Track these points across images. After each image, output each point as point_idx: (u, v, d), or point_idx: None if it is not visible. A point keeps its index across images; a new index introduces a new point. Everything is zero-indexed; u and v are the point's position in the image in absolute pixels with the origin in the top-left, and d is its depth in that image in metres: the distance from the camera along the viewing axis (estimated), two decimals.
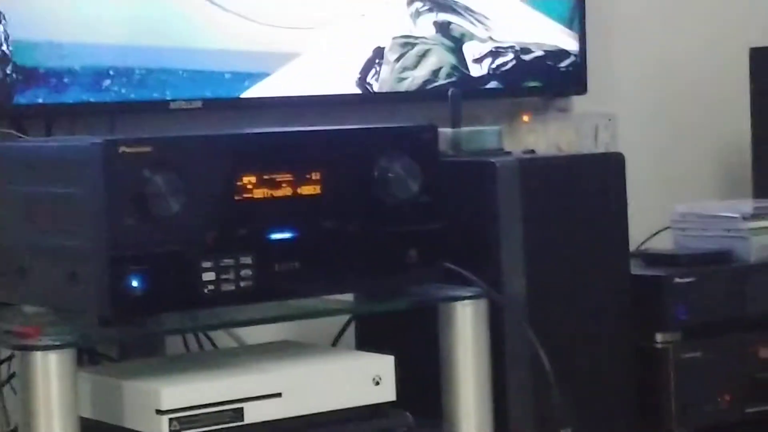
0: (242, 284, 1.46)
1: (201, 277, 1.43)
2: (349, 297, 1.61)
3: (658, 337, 1.75)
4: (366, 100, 1.97)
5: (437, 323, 1.60)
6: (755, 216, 1.83)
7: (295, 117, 1.83)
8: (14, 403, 1.54)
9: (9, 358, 1.65)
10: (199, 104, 1.83)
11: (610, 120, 2.15)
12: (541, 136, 2.10)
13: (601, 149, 2.08)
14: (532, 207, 1.66)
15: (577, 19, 2.09)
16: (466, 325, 1.59)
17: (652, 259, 1.85)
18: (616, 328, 1.69)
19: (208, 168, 1.46)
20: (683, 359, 1.74)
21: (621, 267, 1.71)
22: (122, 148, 1.39)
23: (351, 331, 1.82)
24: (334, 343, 1.80)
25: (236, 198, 1.47)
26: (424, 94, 1.98)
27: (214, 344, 1.78)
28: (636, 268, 1.79)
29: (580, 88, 2.10)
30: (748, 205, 1.86)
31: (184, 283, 1.43)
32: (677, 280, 1.76)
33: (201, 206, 1.44)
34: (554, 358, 1.61)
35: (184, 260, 1.43)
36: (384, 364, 1.53)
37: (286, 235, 1.50)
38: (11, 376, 1.64)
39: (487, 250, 1.66)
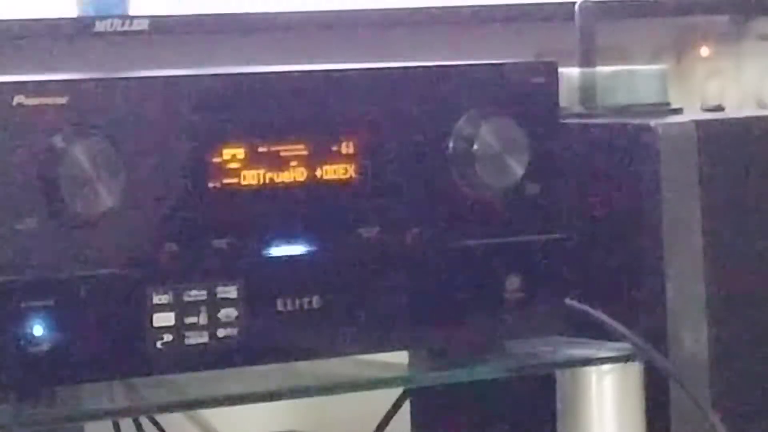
0: (220, 334, 1.46)
1: (151, 319, 1.44)
2: (401, 357, 1.63)
3: None
4: (430, 19, 2.06)
5: (554, 398, 1.65)
6: None
7: (306, 46, 1.92)
8: None
9: None
10: (144, 25, 1.87)
11: None
12: (731, 81, 2.20)
13: None
14: (718, 199, 1.69)
15: None
16: (605, 403, 1.63)
17: None
18: None
19: (164, 133, 1.46)
20: None
21: None
22: (18, 98, 1.39)
23: (404, 411, 1.86)
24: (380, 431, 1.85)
25: (212, 185, 1.46)
26: (530, 11, 2.08)
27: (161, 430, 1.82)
28: None
29: None
30: None
31: (121, 331, 1.43)
32: None
33: (152, 199, 1.45)
34: None
35: (123, 291, 1.44)
36: None
37: (297, 251, 1.50)
38: None
39: (642, 276, 1.70)
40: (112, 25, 1.90)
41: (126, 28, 1.90)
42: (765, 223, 1.73)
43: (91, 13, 1.94)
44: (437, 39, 2.01)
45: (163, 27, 1.93)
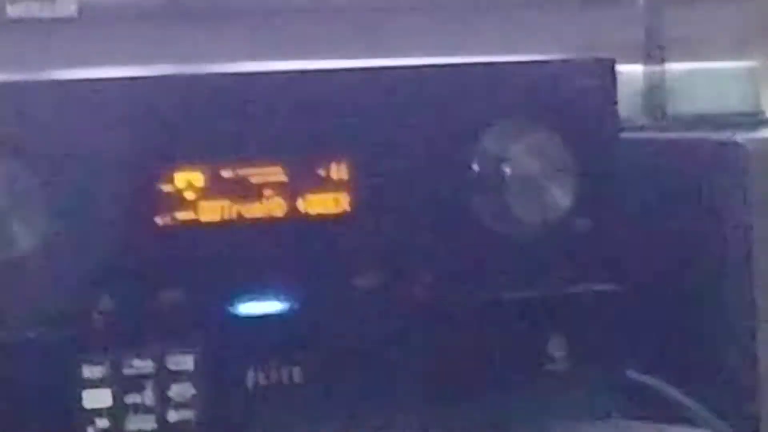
0: (171, 417, 1.45)
1: (80, 398, 1.42)
2: None
3: None
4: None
5: None
6: None
7: (281, 37, 1.93)
8: None
9: None
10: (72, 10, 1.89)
11: None
12: None
13: None
14: None
15: None
16: None
17: None
18: None
19: (97, 153, 1.44)
20: None
21: None
22: None
23: None
24: None
25: (159, 221, 1.45)
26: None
27: None
28: None
29: None
30: None
31: (43, 414, 1.42)
32: None
33: (80, 236, 1.43)
34: None
35: (45, 362, 1.42)
36: None
37: (273, 308, 1.49)
38: None
39: (729, 338, 1.68)
40: (28, 9, 1.86)
41: (48, 14, 1.86)
42: None
43: None
44: (452, 28, 2.01)
45: (95, 13, 1.91)
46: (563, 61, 1.58)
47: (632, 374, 1.60)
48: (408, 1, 2.09)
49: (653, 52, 1.83)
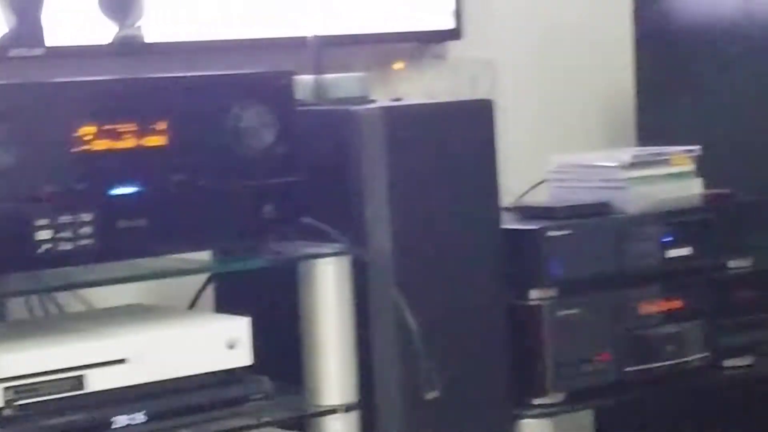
0: (82, 243, 1.47)
1: (35, 235, 1.44)
2: (205, 257, 1.62)
3: (532, 294, 1.77)
4: (226, 46, 1.96)
5: (297, 282, 1.62)
6: (634, 165, 1.85)
7: (148, 65, 1.80)
8: None
9: None
10: (39, 51, 1.76)
11: (488, 67, 2.15)
12: (415, 85, 2.11)
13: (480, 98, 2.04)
14: (398, 158, 1.67)
15: None
16: (328, 284, 1.62)
17: (528, 212, 1.86)
18: (488, 286, 1.72)
19: (43, 118, 1.47)
20: (558, 317, 1.76)
21: (492, 221, 1.73)
22: None
23: (210, 293, 1.82)
24: (192, 305, 1.81)
25: (74, 150, 1.47)
26: (290, 42, 1.96)
27: (61, 309, 1.77)
28: (511, 222, 1.82)
29: (456, 33, 2.13)
30: (627, 154, 1.87)
31: (17, 242, 1.43)
32: (551, 233, 1.77)
33: (35, 159, 1.45)
34: (421, 317, 1.64)
35: (17, 217, 1.43)
36: (239, 327, 1.55)
37: (130, 190, 1.51)
38: None
39: (350, 205, 1.67)
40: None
41: (26, 53, 1.66)
42: (431, 174, 1.68)
43: None
44: (232, 60, 1.87)
45: (53, 53, 1.71)
46: (266, 73, 1.59)
47: (306, 220, 1.58)
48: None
49: (318, 69, 1.74)
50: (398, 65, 2.07)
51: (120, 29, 1.76)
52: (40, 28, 1.73)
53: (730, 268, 1.91)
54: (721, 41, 2.03)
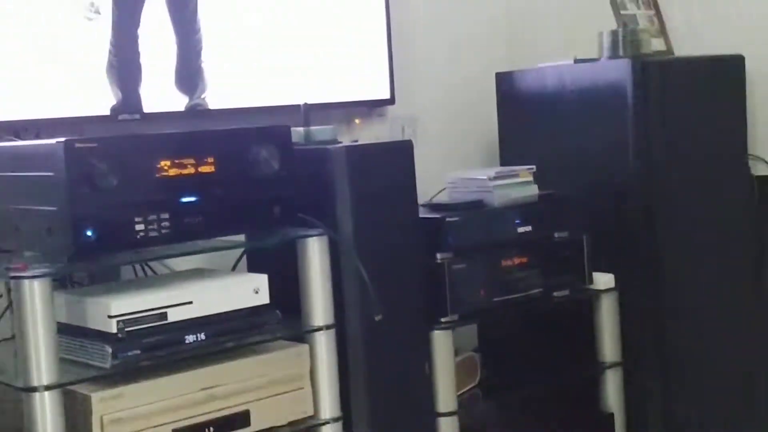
0: (163, 231, 1.46)
1: (134, 228, 1.44)
2: (241, 238, 1.60)
3: (438, 255, 1.76)
4: (249, 111, 1.90)
5: (296, 253, 1.60)
6: (498, 177, 1.88)
7: (203, 122, 1.77)
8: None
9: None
10: (137, 116, 1.76)
11: (411, 120, 2.17)
12: (367, 132, 2.10)
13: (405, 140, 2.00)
14: (357, 179, 1.65)
15: (387, 62, 2.11)
16: (315, 255, 1.59)
17: (435, 207, 1.88)
18: (411, 251, 1.71)
19: (139, 156, 1.45)
20: (454, 269, 1.76)
21: (412, 213, 1.73)
22: (77, 144, 1.39)
23: (244, 261, 1.79)
24: (233, 268, 1.78)
25: (157, 175, 1.47)
26: (290, 108, 1.84)
27: (153, 272, 1.74)
28: (424, 213, 1.81)
29: (392, 100, 2.14)
30: (493, 170, 1.89)
31: (123, 232, 1.43)
32: (449, 219, 1.77)
33: (134, 181, 1.44)
34: (371, 273, 1.62)
35: (123, 217, 1.43)
36: (261, 280, 1.56)
37: (192, 199, 1.49)
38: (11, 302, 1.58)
39: (327, 207, 1.65)
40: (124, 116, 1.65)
41: (129, 118, 1.66)
42: (376, 188, 1.62)
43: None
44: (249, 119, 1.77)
45: (145, 118, 1.67)
46: (274, 127, 1.52)
47: (301, 215, 1.53)
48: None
49: (307, 123, 1.64)
50: (357, 120, 2.08)
51: (189, 100, 1.74)
52: (139, 100, 1.70)
53: (555, 238, 1.93)
54: (548, 101, 2.06)
